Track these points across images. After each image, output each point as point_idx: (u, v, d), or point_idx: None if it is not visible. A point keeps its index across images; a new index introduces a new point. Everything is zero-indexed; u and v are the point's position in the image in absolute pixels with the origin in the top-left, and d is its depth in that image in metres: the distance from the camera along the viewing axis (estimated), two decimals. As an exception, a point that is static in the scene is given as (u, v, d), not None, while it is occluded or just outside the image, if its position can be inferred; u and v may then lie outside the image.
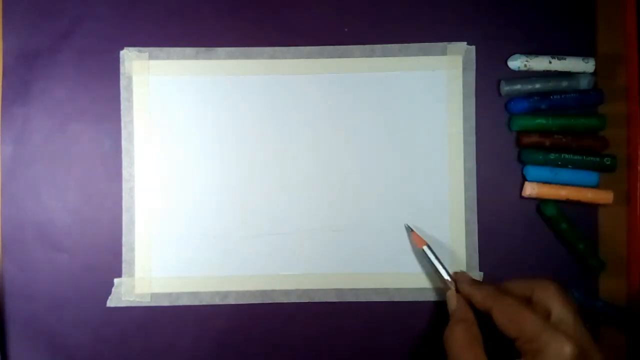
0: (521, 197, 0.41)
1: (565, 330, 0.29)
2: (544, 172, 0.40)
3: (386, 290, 0.41)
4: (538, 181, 0.40)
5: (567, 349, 0.28)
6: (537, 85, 0.41)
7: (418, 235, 0.39)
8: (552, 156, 0.40)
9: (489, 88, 0.41)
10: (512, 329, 0.31)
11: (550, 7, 0.42)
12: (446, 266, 0.39)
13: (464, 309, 0.35)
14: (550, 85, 0.41)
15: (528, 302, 0.32)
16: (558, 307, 0.31)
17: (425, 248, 0.38)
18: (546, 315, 0.31)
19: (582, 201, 0.40)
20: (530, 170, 0.40)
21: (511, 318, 0.31)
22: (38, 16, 0.41)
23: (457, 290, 0.37)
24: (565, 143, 0.40)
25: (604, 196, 0.40)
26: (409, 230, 0.39)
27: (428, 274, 0.41)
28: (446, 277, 0.38)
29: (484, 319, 0.34)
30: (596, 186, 0.41)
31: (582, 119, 0.40)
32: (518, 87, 0.41)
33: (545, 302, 0.32)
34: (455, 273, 0.39)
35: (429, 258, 0.39)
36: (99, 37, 0.41)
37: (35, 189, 0.41)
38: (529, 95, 0.41)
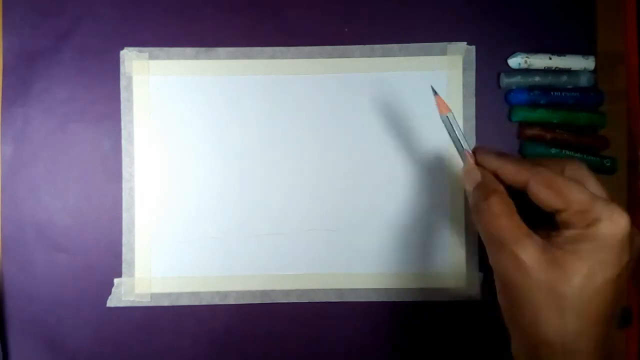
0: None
1: (611, 202, 0.27)
2: None
3: (386, 290, 0.41)
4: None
5: (623, 219, 0.26)
6: (537, 79, 0.41)
7: (443, 101, 0.34)
8: (552, 151, 0.40)
9: (489, 87, 0.41)
10: (556, 201, 0.28)
11: (550, 6, 0.42)
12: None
13: (494, 181, 0.30)
14: (550, 79, 0.41)
15: None
16: (593, 185, 0.29)
17: (449, 115, 0.33)
18: None
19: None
20: None
21: (555, 190, 0.28)
22: (38, 16, 0.41)
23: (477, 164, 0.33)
24: (567, 139, 0.40)
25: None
26: (435, 93, 0.34)
27: (428, 275, 0.41)
28: (466, 147, 0.33)
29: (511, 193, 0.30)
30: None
31: (582, 113, 0.41)
32: (518, 78, 0.41)
33: (578, 179, 0.29)
34: (477, 147, 0.33)
35: (452, 127, 0.33)
36: (99, 37, 0.41)
37: (35, 189, 0.41)
38: (529, 88, 0.41)
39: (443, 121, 0.34)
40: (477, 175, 0.31)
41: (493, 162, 0.31)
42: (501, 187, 0.30)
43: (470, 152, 0.33)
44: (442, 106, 0.34)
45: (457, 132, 0.33)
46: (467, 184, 0.31)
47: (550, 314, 0.27)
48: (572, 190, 0.28)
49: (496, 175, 0.31)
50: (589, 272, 0.26)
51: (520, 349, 0.29)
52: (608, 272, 0.26)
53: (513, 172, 0.30)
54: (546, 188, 0.28)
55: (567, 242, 0.27)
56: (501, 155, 0.31)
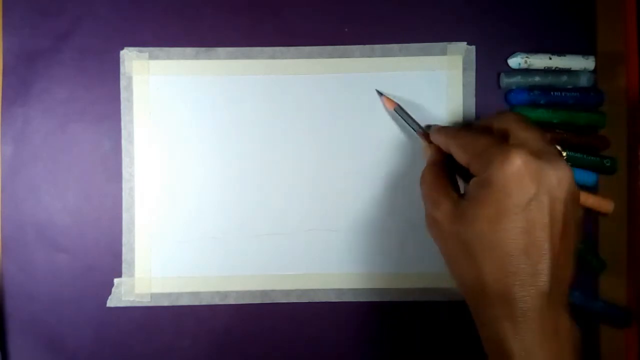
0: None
1: (517, 144, 0.28)
2: None
3: (386, 290, 0.41)
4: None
5: (515, 156, 0.26)
6: (537, 78, 0.41)
7: (388, 98, 0.39)
8: None
9: (489, 87, 0.41)
10: (465, 156, 0.30)
11: (550, 6, 0.42)
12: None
13: (434, 154, 0.35)
14: (550, 79, 0.41)
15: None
16: (516, 130, 0.30)
17: (396, 109, 0.39)
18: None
19: (582, 204, 0.40)
20: None
21: (464, 146, 0.30)
22: (38, 16, 0.41)
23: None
24: (566, 139, 0.40)
25: (606, 204, 0.40)
26: (380, 94, 0.39)
27: (428, 274, 0.41)
28: (419, 130, 0.38)
29: (453, 161, 0.33)
30: (594, 186, 0.41)
31: (582, 113, 0.41)
32: (518, 78, 0.41)
33: (504, 129, 0.30)
34: (428, 126, 0.38)
35: (403, 117, 0.39)
36: (99, 37, 0.41)
37: (35, 189, 0.41)
38: (529, 88, 0.41)
39: (392, 115, 0.39)
40: (427, 151, 0.36)
41: (434, 137, 0.35)
42: (437, 158, 0.34)
43: (423, 132, 0.38)
44: (388, 103, 0.39)
45: (408, 122, 0.39)
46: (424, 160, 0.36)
47: (464, 263, 0.28)
48: (475, 141, 0.29)
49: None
50: (487, 214, 0.27)
51: (468, 303, 0.31)
52: (507, 210, 0.26)
53: (443, 140, 0.33)
54: (459, 148, 0.31)
55: (469, 191, 0.29)
56: (440, 129, 0.35)
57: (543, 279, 0.27)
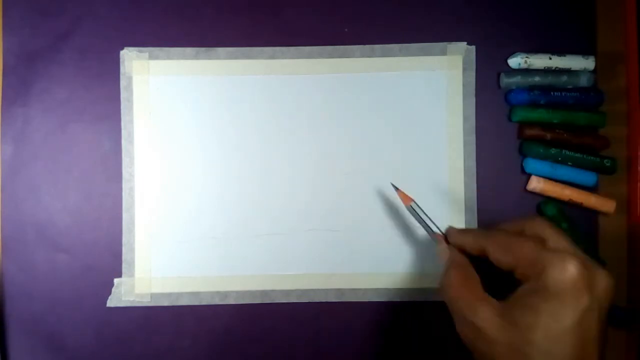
0: (525, 190, 0.41)
1: (565, 251, 0.28)
2: (544, 166, 0.40)
3: (386, 290, 0.41)
4: (537, 174, 0.40)
5: (571, 264, 0.26)
6: (537, 78, 0.41)
7: (404, 193, 0.37)
8: (552, 151, 0.40)
9: (489, 87, 0.41)
10: (509, 259, 0.29)
11: (550, 6, 0.42)
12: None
13: (457, 255, 0.33)
14: (550, 79, 0.41)
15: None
16: (552, 236, 0.29)
17: (412, 204, 0.37)
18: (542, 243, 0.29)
19: (584, 204, 0.40)
20: (530, 163, 0.40)
21: (506, 248, 0.29)
22: (38, 16, 0.41)
23: (448, 243, 0.35)
24: (567, 139, 0.40)
25: (606, 204, 0.40)
26: (395, 189, 0.37)
27: (428, 275, 0.41)
28: (436, 230, 0.36)
29: (480, 263, 0.32)
30: (594, 186, 0.41)
31: (582, 112, 0.41)
32: (518, 78, 0.41)
33: (538, 234, 0.30)
34: (448, 228, 0.35)
35: (418, 215, 0.36)
36: (99, 37, 0.41)
37: (35, 189, 0.41)
38: (529, 88, 0.41)
39: (409, 211, 0.37)
40: (445, 253, 0.33)
41: (457, 238, 0.33)
42: (465, 260, 0.32)
43: (441, 234, 0.35)
44: (404, 199, 0.37)
45: (424, 219, 0.36)
46: (441, 264, 0.33)
47: None
48: (521, 245, 0.29)
49: (464, 251, 0.32)
50: (545, 324, 0.26)
51: None
52: (565, 320, 0.26)
53: (472, 241, 0.32)
54: (499, 250, 0.29)
55: (520, 297, 0.28)
56: (464, 230, 0.34)
57: None
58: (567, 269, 0.26)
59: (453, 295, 0.30)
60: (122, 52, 0.41)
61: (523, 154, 0.41)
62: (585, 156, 0.40)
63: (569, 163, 0.40)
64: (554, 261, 0.27)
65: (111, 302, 0.41)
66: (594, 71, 0.41)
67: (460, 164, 0.41)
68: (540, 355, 0.26)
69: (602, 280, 0.27)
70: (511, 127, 0.42)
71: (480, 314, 0.28)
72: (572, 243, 0.29)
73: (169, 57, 0.41)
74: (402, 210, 0.41)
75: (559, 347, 0.26)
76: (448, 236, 0.35)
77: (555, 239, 0.29)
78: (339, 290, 0.41)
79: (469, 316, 0.29)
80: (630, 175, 0.41)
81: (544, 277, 0.27)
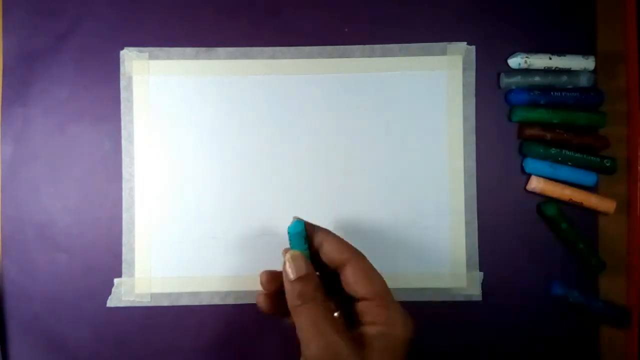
0: (525, 190, 0.41)
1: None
2: (544, 166, 0.40)
3: (386, 290, 0.41)
4: (537, 174, 0.40)
5: (412, 324, 0.30)
6: (537, 78, 0.41)
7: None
8: (552, 151, 0.40)
9: (489, 87, 0.41)
10: (367, 288, 0.30)
11: (550, 6, 0.42)
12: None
13: (313, 279, 0.30)
14: (550, 79, 0.41)
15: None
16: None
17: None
18: None
19: (584, 204, 0.40)
20: (530, 163, 0.40)
21: (368, 277, 0.30)
22: (38, 16, 0.41)
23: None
24: (567, 139, 0.40)
25: (606, 204, 0.40)
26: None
27: (428, 275, 0.41)
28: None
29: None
30: (594, 186, 0.41)
31: (582, 112, 0.41)
32: (518, 78, 0.41)
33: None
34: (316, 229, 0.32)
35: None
36: (99, 37, 0.41)
37: (35, 189, 0.41)
38: (529, 88, 0.41)
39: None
40: (302, 266, 0.30)
41: (320, 237, 0.32)
42: (320, 293, 0.30)
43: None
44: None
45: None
46: (289, 271, 0.30)
47: None
48: (380, 281, 0.30)
49: (317, 253, 0.31)
50: None
51: None
52: None
53: (336, 249, 0.31)
54: (361, 273, 0.30)
55: (370, 338, 0.29)
56: (325, 231, 0.32)
57: None
58: (408, 325, 0.29)
59: (314, 330, 0.29)
60: (122, 52, 0.41)
61: (523, 154, 0.41)
62: (585, 156, 0.40)
63: (569, 163, 0.40)
64: (400, 314, 0.29)
65: (111, 302, 0.41)
66: (594, 71, 0.41)
67: (460, 164, 0.41)
68: None
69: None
70: (511, 127, 0.42)
71: (344, 346, 0.28)
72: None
73: (169, 57, 0.41)
74: (402, 211, 0.41)
75: None
76: (315, 234, 0.32)
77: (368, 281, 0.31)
78: (339, 290, 0.41)
79: (331, 343, 0.28)
80: (630, 175, 0.41)
81: (394, 328, 0.29)
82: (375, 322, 0.29)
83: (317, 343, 0.28)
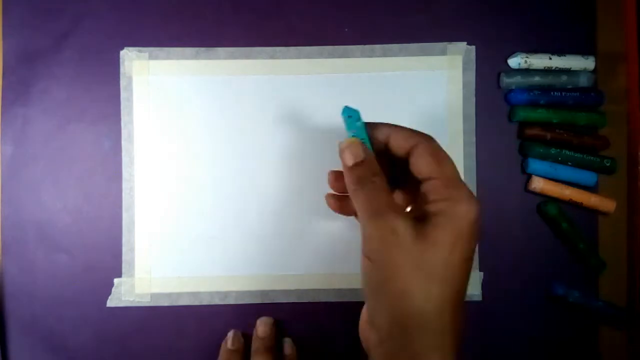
0: (525, 190, 0.41)
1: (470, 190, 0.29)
2: (544, 166, 0.40)
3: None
4: (537, 174, 0.40)
5: (479, 206, 0.28)
6: (537, 78, 0.41)
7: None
8: (553, 151, 0.40)
9: (489, 87, 0.41)
10: (434, 168, 0.29)
11: (550, 6, 0.42)
12: None
13: (374, 161, 0.30)
14: (549, 78, 0.41)
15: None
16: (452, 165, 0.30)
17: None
18: None
19: (584, 204, 0.40)
20: (530, 163, 0.40)
21: (436, 157, 0.29)
22: (38, 16, 0.41)
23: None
24: (567, 139, 0.40)
25: (606, 204, 0.40)
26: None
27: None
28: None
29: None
30: (594, 186, 0.41)
31: (582, 112, 0.41)
32: (518, 78, 0.41)
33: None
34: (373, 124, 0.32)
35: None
36: (99, 37, 0.41)
37: (35, 189, 0.41)
38: (529, 88, 0.41)
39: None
40: (359, 151, 0.31)
41: (385, 130, 0.31)
42: (380, 178, 0.30)
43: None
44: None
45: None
46: (347, 157, 0.31)
47: (419, 283, 0.27)
48: (449, 163, 0.29)
49: (386, 145, 0.31)
50: (453, 244, 0.27)
51: (386, 321, 0.28)
52: (465, 248, 0.27)
53: (404, 137, 0.31)
54: (430, 155, 0.29)
55: (433, 215, 0.28)
56: (389, 124, 0.32)
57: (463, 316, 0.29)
58: (476, 209, 0.28)
59: (375, 203, 0.29)
60: (122, 52, 0.41)
61: (523, 154, 0.41)
62: (585, 156, 0.40)
63: (569, 163, 0.40)
64: (465, 194, 0.28)
65: (111, 302, 0.41)
66: (594, 71, 0.41)
67: (460, 164, 0.41)
68: (444, 269, 0.27)
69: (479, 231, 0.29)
70: (511, 127, 0.42)
71: (401, 224, 0.28)
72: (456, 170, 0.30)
73: (169, 57, 0.41)
74: (402, 210, 0.41)
75: (457, 270, 0.28)
76: (377, 129, 0.32)
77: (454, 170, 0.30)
78: (338, 290, 0.41)
79: (389, 224, 0.28)
80: (630, 175, 0.41)
81: (456, 206, 0.28)
82: (438, 199, 0.28)
83: (375, 222, 0.28)
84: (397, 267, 0.27)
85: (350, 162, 0.30)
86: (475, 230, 0.28)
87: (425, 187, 0.29)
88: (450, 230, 0.27)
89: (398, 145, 0.31)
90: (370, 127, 0.32)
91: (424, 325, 0.27)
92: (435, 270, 0.27)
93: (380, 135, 0.32)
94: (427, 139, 0.30)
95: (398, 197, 0.32)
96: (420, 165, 0.30)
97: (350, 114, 0.32)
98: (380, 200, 0.29)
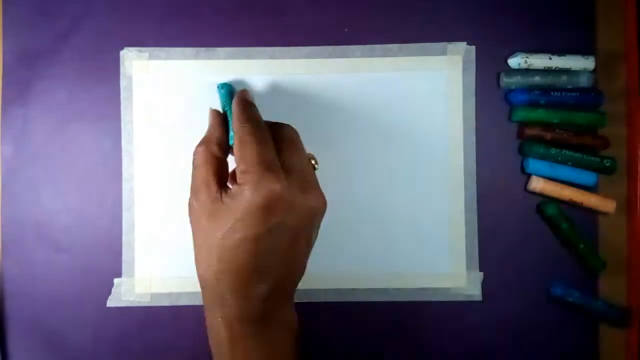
0: (525, 190, 0.41)
1: (275, 171, 0.30)
2: (544, 166, 0.40)
3: (386, 290, 0.41)
4: (537, 175, 0.40)
5: (268, 190, 0.29)
6: (537, 78, 0.41)
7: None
8: (552, 151, 0.40)
9: (489, 87, 0.41)
10: (237, 154, 0.31)
11: (550, 6, 0.42)
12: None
13: (214, 128, 0.35)
14: (550, 79, 0.41)
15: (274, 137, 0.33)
16: (288, 151, 0.32)
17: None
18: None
19: (584, 204, 0.40)
20: (530, 163, 0.40)
21: (241, 144, 0.31)
22: (38, 16, 0.41)
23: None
24: (567, 139, 0.40)
25: (606, 204, 0.40)
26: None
27: (428, 275, 0.41)
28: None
29: None
30: (594, 186, 0.41)
31: (582, 112, 0.41)
32: (518, 78, 0.41)
33: (279, 143, 0.32)
34: (241, 90, 0.37)
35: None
36: (99, 37, 0.41)
37: (35, 189, 0.41)
38: (529, 88, 0.41)
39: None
40: (209, 119, 0.36)
41: (234, 107, 0.34)
42: (217, 136, 0.34)
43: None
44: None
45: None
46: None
47: (202, 256, 0.31)
48: (250, 150, 0.31)
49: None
50: (233, 226, 0.29)
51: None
52: (247, 231, 0.29)
53: (234, 119, 0.33)
54: (237, 141, 0.32)
55: (228, 196, 0.30)
56: (242, 102, 0.35)
57: (253, 299, 0.31)
58: (258, 192, 0.29)
59: (193, 173, 0.33)
60: (122, 52, 0.41)
61: (523, 154, 0.41)
62: (585, 156, 0.40)
63: (569, 163, 0.40)
64: (255, 180, 0.29)
65: (111, 302, 0.41)
66: (594, 71, 0.41)
67: (460, 164, 0.41)
68: (221, 248, 0.30)
69: (305, 204, 0.31)
70: (511, 127, 0.42)
71: (202, 197, 0.31)
72: (304, 159, 0.33)
73: (169, 57, 0.41)
74: (402, 210, 0.41)
75: (236, 250, 0.30)
76: (236, 97, 0.35)
77: (289, 155, 0.32)
78: (338, 290, 0.41)
79: (194, 196, 0.32)
80: (630, 175, 0.41)
81: (243, 189, 0.30)
82: (237, 182, 0.30)
83: (191, 194, 0.32)
84: (194, 236, 0.32)
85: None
86: (260, 213, 0.29)
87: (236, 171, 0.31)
88: (234, 212, 0.29)
89: (233, 125, 0.34)
90: (238, 96, 0.36)
91: (207, 287, 0.32)
92: (214, 248, 0.30)
93: (232, 108, 0.35)
94: (244, 125, 0.32)
95: None
96: (234, 150, 0.32)
97: (219, 86, 0.37)
98: (196, 170, 0.32)
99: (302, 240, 0.32)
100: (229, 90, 0.38)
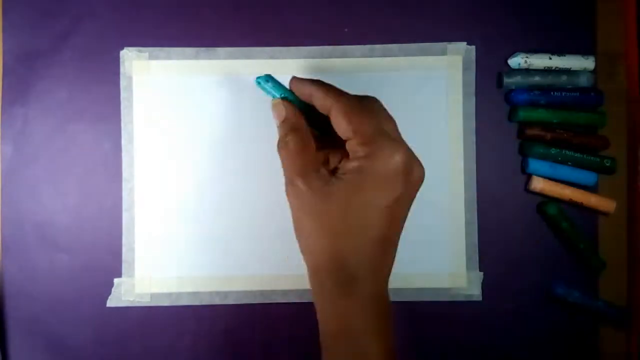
0: (525, 190, 0.41)
1: (396, 139, 0.30)
2: (544, 166, 0.40)
3: (386, 290, 0.41)
4: (537, 174, 0.40)
5: (398, 155, 0.29)
6: (537, 78, 0.41)
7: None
8: (553, 151, 0.40)
9: (489, 87, 0.41)
10: (348, 127, 0.30)
11: (550, 6, 0.42)
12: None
13: (295, 116, 0.33)
14: (550, 79, 0.41)
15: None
16: (385, 120, 0.31)
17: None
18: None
19: (584, 204, 0.40)
20: (530, 163, 0.40)
21: (349, 117, 0.30)
22: (38, 16, 0.41)
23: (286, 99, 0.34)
24: (567, 139, 0.40)
25: (606, 204, 0.40)
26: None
27: (428, 275, 0.41)
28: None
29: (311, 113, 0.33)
30: (594, 186, 0.41)
31: (582, 112, 0.41)
32: (518, 78, 0.41)
33: (374, 112, 0.31)
34: (294, 77, 0.34)
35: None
36: (99, 37, 0.41)
37: (35, 189, 0.41)
38: (530, 88, 0.41)
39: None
40: (282, 110, 0.33)
41: (307, 88, 0.32)
42: (301, 124, 0.32)
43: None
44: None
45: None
46: (275, 118, 0.33)
47: (316, 242, 0.30)
48: (363, 120, 0.30)
49: (309, 103, 0.32)
50: (361, 200, 0.29)
51: (312, 280, 0.32)
52: (380, 201, 0.29)
53: (322, 97, 0.31)
54: (342, 115, 0.30)
55: (347, 172, 0.29)
56: (315, 82, 0.33)
57: (386, 270, 0.31)
58: (394, 158, 0.29)
59: (291, 160, 0.31)
60: (122, 52, 0.41)
61: (523, 154, 0.41)
62: (585, 156, 0.40)
63: (569, 163, 0.40)
64: (385, 147, 0.29)
65: (111, 302, 0.41)
66: (594, 71, 0.41)
67: (460, 164, 0.41)
68: (348, 223, 0.29)
69: (418, 173, 0.30)
70: (511, 127, 0.42)
71: (312, 181, 0.30)
72: (398, 130, 0.32)
73: (169, 57, 0.41)
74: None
75: (370, 222, 0.29)
76: (295, 84, 0.34)
77: (387, 123, 0.31)
78: (339, 290, 0.41)
79: (301, 182, 0.30)
80: (630, 175, 0.41)
81: (371, 161, 0.29)
82: (354, 157, 0.30)
83: (288, 186, 0.31)
84: (305, 223, 0.31)
85: (277, 122, 0.33)
86: (393, 181, 0.29)
87: (347, 146, 0.30)
88: (360, 186, 0.29)
89: (320, 105, 0.32)
90: (296, 85, 0.33)
91: (329, 271, 0.30)
92: (340, 225, 0.29)
93: (304, 94, 0.33)
94: (340, 99, 0.31)
95: (336, 155, 0.33)
96: (337, 126, 0.31)
97: (260, 81, 0.34)
98: (297, 162, 0.31)
99: (405, 218, 0.32)
100: (273, 80, 0.35)
